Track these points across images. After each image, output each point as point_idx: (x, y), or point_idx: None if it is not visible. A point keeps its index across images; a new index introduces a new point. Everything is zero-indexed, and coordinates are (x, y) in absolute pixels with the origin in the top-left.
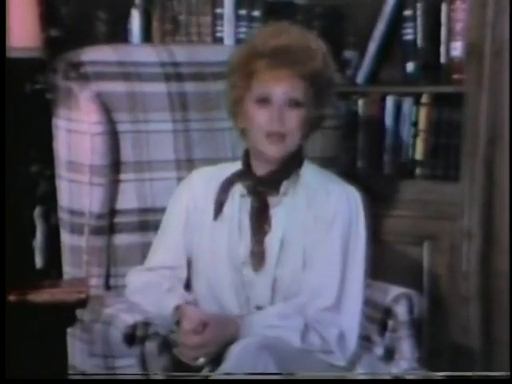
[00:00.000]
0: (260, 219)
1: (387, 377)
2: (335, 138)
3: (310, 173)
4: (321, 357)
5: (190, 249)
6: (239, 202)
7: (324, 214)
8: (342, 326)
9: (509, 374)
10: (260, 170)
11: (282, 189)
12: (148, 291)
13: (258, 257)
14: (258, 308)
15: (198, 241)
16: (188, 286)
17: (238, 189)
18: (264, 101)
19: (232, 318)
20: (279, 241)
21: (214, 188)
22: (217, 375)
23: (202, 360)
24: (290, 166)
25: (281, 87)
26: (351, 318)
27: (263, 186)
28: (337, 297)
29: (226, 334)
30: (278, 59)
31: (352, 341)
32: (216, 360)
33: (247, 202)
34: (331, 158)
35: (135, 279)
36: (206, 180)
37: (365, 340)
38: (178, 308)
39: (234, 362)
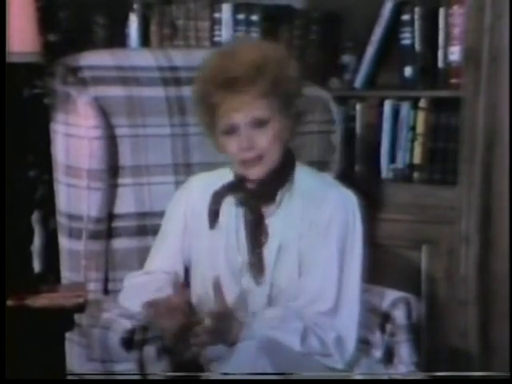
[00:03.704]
0: (256, 231)
1: (385, 377)
2: (333, 142)
3: (304, 177)
4: (319, 360)
5: (188, 254)
6: (235, 210)
7: (320, 219)
8: (339, 330)
9: (509, 374)
10: (251, 181)
11: (278, 198)
12: (136, 293)
13: (257, 267)
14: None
15: (196, 246)
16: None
17: (231, 200)
18: (231, 131)
19: (237, 316)
20: (276, 249)
21: (210, 193)
22: (216, 375)
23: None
24: (281, 172)
25: (242, 113)
26: (349, 322)
27: (256, 197)
28: (334, 301)
29: (230, 328)
30: (231, 87)
31: (350, 344)
32: (215, 361)
33: (243, 213)
34: (329, 162)
35: (127, 284)
36: (203, 186)
37: (363, 344)
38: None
39: (233, 363)
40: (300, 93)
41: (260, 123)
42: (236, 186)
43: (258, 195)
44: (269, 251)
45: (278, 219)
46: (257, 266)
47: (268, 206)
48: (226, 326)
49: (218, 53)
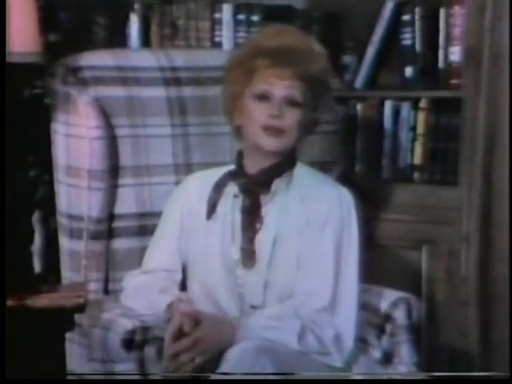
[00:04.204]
0: (251, 217)
1: (385, 377)
2: (334, 142)
3: (303, 174)
4: (318, 358)
5: (185, 253)
6: (232, 202)
7: (317, 215)
8: (337, 327)
9: (509, 374)
10: (252, 168)
11: (273, 187)
12: (140, 293)
13: (248, 254)
14: (253, 307)
15: (192, 244)
16: (184, 289)
17: (231, 189)
18: (264, 97)
19: (228, 319)
20: (271, 239)
21: (208, 191)
22: (215, 376)
23: (196, 361)
24: (281, 164)
25: (282, 85)
26: (347, 319)
27: (255, 184)
28: (331, 298)
29: (221, 334)
30: (279, 58)
31: (348, 341)
32: (214, 362)
33: (240, 202)
34: (330, 162)
35: (129, 284)
36: (200, 184)
37: (362, 342)
38: (170, 305)
39: (232, 364)
40: (331, 95)
41: (292, 103)
42: (237, 173)
43: (256, 181)
44: (263, 240)
45: (274, 209)
46: (248, 252)
47: (265, 195)
48: (214, 334)
49: (274, 25)
